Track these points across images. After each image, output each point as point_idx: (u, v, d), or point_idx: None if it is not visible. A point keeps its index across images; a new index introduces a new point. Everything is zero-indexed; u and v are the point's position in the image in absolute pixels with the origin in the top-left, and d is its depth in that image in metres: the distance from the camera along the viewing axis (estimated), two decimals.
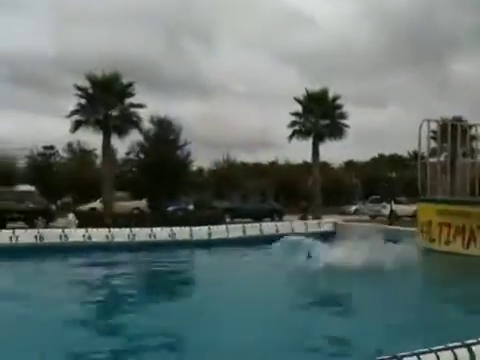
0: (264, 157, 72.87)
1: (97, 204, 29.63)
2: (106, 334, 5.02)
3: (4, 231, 11.37)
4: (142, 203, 29.96)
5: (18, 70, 70.77)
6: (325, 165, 46.57)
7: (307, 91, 31.96)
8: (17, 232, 11.03)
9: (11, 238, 10.71)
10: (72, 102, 25.93)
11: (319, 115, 31.40)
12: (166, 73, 71.70)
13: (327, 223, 14.69)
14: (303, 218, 20.99)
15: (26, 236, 10.90)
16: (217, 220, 20.71)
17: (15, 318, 5.16)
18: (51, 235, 11.19)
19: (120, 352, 4.36)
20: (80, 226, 15.60)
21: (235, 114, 79.12)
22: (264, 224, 14.33)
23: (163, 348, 4.37)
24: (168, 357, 4.25)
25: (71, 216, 19.96)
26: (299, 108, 32.05)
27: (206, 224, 13.42)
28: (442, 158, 13.31)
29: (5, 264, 9.51)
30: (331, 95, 31.70)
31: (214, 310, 5.54)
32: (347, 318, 5.57)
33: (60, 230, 11.55)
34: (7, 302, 5.95)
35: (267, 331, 4.49)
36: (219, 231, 13.10)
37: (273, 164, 53.15)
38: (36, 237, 10.92)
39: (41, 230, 11.88)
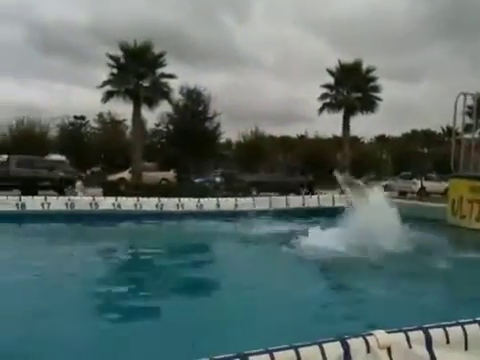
0: (293, 130, 72.21)
1: (126, 174, 30.01)
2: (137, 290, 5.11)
3: (36, 198, 11.63)
4: (170, 174, 30.22)
5: (50, 39, 71.40)
6: (355, 139, 45.93)
7: (340, 62, 31.32)
8: (49, 199, 11.28)
9: (43, 205, 10.99)
10: (103, 72, 26.09)
11: (351, 88, 30.81)
12: (196, 43, 71.23)
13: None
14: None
15: (57, 203, 11.15)
16: (244, 193, 20.71)
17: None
18: (81, 203, 11.43)
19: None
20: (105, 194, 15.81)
21: (264, 86, 78.36)
22: (291, 197, 14.28)
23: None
24: None
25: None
26: (331, 80, 31.53)
27: (232, 196, 13.50)
28: (477, 134, 12.91)
29: (37, 227, 9.84)
30: (364, 67, 31.01)
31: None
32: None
33: (91, 198, 11.77)
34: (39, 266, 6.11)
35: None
36: (246, 203, 13.17)
37: (302, 138, 52.67)
38: (67, 204, 11.17)
39: (72, 197, 12.14)
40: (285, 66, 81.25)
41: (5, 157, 27.54)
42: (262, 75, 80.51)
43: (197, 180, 29.41)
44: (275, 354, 2.01)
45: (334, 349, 2.11)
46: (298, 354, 2.03)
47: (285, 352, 2.03)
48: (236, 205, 12.86)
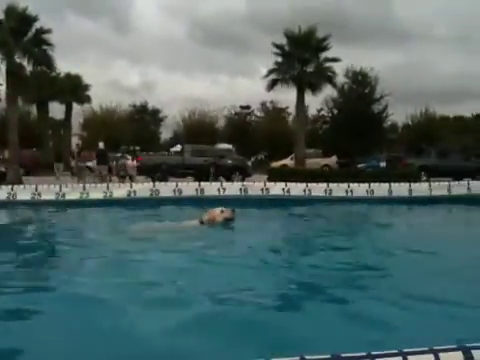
0: (468, 109, 65.58)
1: (288, 161, 30.46)
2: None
3: (213, 184, 12.47)
4: (331, 160, 29.86)
5: (212, 32, 75.29)
6: None
7: None
8: (225, 185, 12.04)
9: (219, 190, 11.73)
10: (264, 60, 26.69)
11: None
12: (356, 22, 68.50)
13: None
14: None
15: (233, 189, 11.81)
16: (412, 178, 19.47)
17: None
18: (254, 188, 11.92)
19: None
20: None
21: (435, 62, 72.48)
22: (473, 182, 12.95)
23: None
24: None
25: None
26: None
27: (399, 182, 12.79)
28: None
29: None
30: None
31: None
32: None
33: (262, 184, 12.20)
34: None
35: None
36: (421, 189, 12.39)
37: (478, 117, 47.65)
38: (241, 190, 11.77)
39: (246, 183, 12.67)
40: (459, 38, 73.40)
41: (179, 147, 30.11)
42: (432, 49, 74.19)
43: (360, 165, 28.62)
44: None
45: None
46: None
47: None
48: (410, 190, 12.15)
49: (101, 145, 20.77)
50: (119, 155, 25.52)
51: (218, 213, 7.27)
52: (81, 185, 12.31)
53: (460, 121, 48.07)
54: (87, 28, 75.69)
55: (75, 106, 40.98)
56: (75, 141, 42.01)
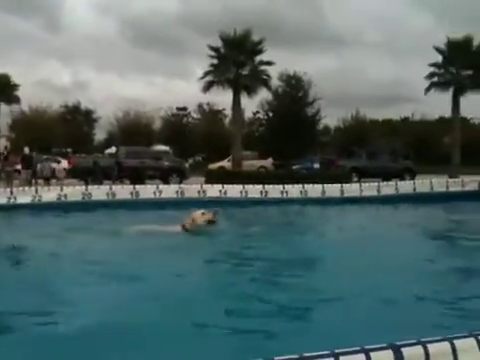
0: (397, 112, 68.64)
1: (225, 163, 30.53)
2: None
3: (149, 186, 12.22)
4: (267, 162, 30.26)
5: (145, 32, 73.78)
6: (466, 121, 42.76)
7: (448, 39, 29.39)
8: (160, 187, 11.82)
9: (155, 193, 11.50)
10: (200, 62, 26.73)
11: (461, 65, 28.78)
12: (290, 25, 69.42)
13: (472, 182, 13.50)
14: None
15: (169, 191, 11.62)
16: (343, 179, 20.11)
17: None
18: (190, 191, 11.83)
19: None
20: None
21: (365, 67, 75.22)
22: (401, 183, 13.59)
23: None
24: None
25: None
26: (438, 58, 29.72)
27: (331, 183, 13.18)
28: None
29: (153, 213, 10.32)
30: (476, 43, 28.80)
31: None
32: None
33: (199, 186, 12.13)
34: None
35: None
36: (352, 189, 12.79)
37: (405, 120, 50.16)
38: (177, 192, 11.62)
39: (182, 186, 12.56)
40: (388, 45, 76.50)
41: (114, 149, 29.34)
42: (363, 55, 77.00)
43: (295, 167, 29.20)
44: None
45: None
46: None
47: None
48: (342, 191, 12.52)
49: (26, 150, 21.02)
50: (44, 157, 24.56)
51: (199, 215, 6.94)
52: (8, 190, 11.66)
53: (389, 124, 50.36)
54: (16, 27, 72.09)
55: (3, 106, 39.03)
56: (3, 143, 39.90)
